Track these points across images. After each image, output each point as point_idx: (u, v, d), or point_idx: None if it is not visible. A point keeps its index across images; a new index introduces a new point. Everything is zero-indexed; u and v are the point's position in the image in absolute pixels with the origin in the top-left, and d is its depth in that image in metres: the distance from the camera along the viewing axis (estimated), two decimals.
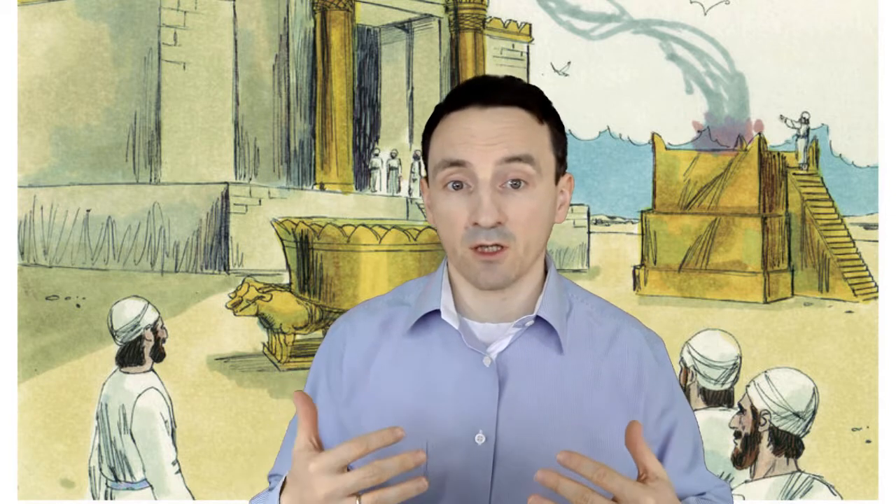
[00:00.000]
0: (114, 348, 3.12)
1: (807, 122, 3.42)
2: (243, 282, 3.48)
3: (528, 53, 3.58)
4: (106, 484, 3.12)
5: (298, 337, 3.50)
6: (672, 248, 3.57)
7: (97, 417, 3.14)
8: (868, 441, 3.17)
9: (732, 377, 2.79)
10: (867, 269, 3.37)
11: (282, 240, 3.60)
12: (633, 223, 3.51)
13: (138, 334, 3.08)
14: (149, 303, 3.18)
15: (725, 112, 3.47)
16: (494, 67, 3.90)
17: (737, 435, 2.56)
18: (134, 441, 3.01)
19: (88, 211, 3.58)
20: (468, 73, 4.21)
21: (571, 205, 1.33)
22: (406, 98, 4.14)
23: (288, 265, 3.59)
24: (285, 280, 3.58)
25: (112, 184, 3.60)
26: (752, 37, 3.38)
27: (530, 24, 3.53)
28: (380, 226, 3.55)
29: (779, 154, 3.56)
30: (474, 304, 1.13)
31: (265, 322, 3.44)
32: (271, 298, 3.45)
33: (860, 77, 3.31)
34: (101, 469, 3.13)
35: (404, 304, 1.18)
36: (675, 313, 3.42)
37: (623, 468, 0.93)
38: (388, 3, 4.26)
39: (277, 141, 4.00)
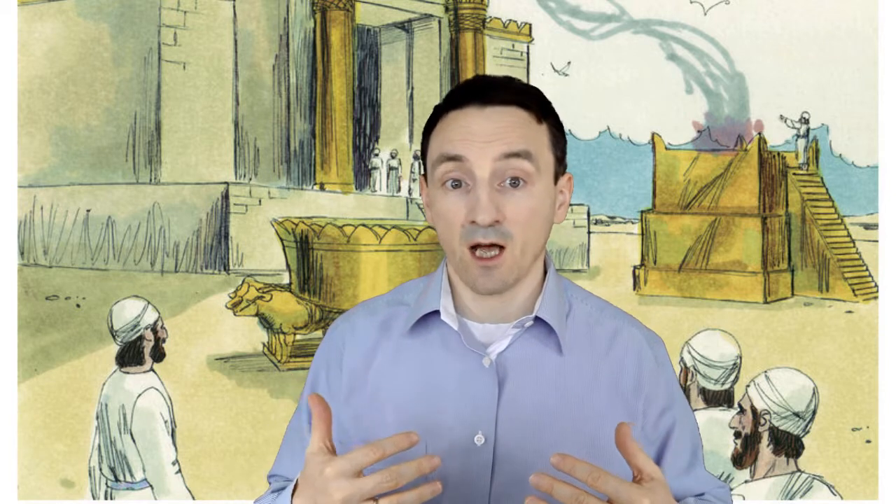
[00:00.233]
0: (114, 348, 3.12)
1: (807, 122, 3.42)
2: (243, 282, 3.48)
3: (528, 53, 3.58)
4: (106, 484, 3.12)
5: (298, 337, 3.50)
6: (672, 248, 3.57)
7: (97, 417, 3.14)
8: (868, 441, 3.16)
9: (732, 377, 2.79)
10: (867, 269, 3.37)
11: (282, 240, 3.60)
12: (633, 223, 3.51)
13: (138, 334, 3.08)
14: (149, 303, 3.18)
15: (725, 112, 3.47)
16: (494, 67, 3.90)
17: (737, 435, 2.56)
18: (134, 441, 3.01)
19: (88, 211, 3.58)
20: (468, 73, 4.21)
21: (571, 205, 1.33)
22: (406, 98, 4.14)
23: (288, 265, 3.59)
24: (285, 280, 3.58)
25: (112, 184, 3.60)
26: (752, 37, 3.38)
27: (530, 24, 3.53)
28: (380, 226, 3.55)
29: (779, 154, 3.56)
30: (474, 304, 1.13)
31: (265, 322, 3.44)
32: (271, 298, 3.45)
33: (860, 77, 3.31)
34: (101, 469, 3.13)
35: (404, 305, 1.18)
36: (675, 313, 3.42)
37: (623, 468, 0.93)
38: (388, 3, 4.26)
39: (277, 141, 4.00)
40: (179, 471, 3.07)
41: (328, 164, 4.05)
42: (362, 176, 4.10)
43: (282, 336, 3.45)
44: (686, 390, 2.78)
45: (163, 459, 3.03)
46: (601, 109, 3.42)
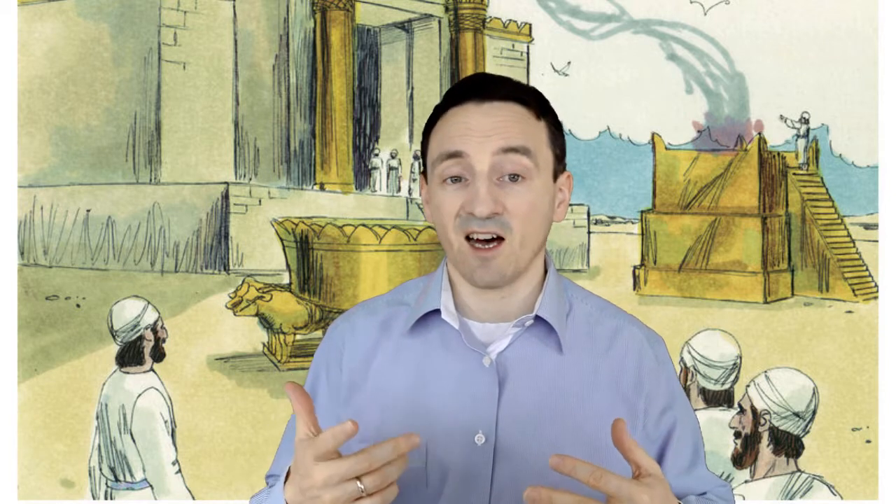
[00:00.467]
0: (114, 348, 3.12)
1: (807, 122, 3.41)
2: (243, 282, 3.48)
3: (528, 53, 3.58)
4: (106, 484, 3.12)
5: (298, 337, 3.50)
6: (672, 248, 3.57)
7: (97, 417, 3.14)
8: (868, 441, 3.16)
9: (732, 377, 2.79)
10: (867, 269, 3.37)
11: (282, 240, 3.60)
12: (633, 223, 3.51)
13: (138, 334, 3.08)
14: (149, 303, 3.18)
15: (725, 112, 3.47)
16: (494, 67, 3.90)
17: (737, 435, 2.56)
18: (134, 441, 3.01)
19: (88, 211, 3.57)
20: (468, 73, 4.20)
21: (571, 205, 1.34)
22: (406, 98, 4.14)
23: (288, 265, 3.59)
24: (285, 280, 3.58)
25: (112, 184, 3.60)
26: (752, 37, 3.38)
27: (530, 24, 3.53)
28: (380, 226, 3.55)
29: (779, 154, 3.56)
30: (474, 303, 1.13)
31: (265, 322, 3.44)
32: (271, 298, 3.45)
33: (860, 77, 3.31)
34: (101, 469, 3.13)
35: (404, 304, 1.18)
36: (675, 313, 3.41)
37: (624, 467, 0.93)
38: (388, 3, 4.26)
39: (277, 141, 4.00)
40: (179, 471, 3.07)
41: (328, 164, 4.05)
42: (362, 176, 4.10)
43: (282, 336, 3.45)
44: (686, 390, 2.78)
45: (163, 459, 3.03)
46: (601, 109, 3.42)
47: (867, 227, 3.34)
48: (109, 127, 3.61)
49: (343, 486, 0.89)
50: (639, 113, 3.44)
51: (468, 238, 1.06)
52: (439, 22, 4.30)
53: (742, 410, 2.56)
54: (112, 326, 3.12)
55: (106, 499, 3.13)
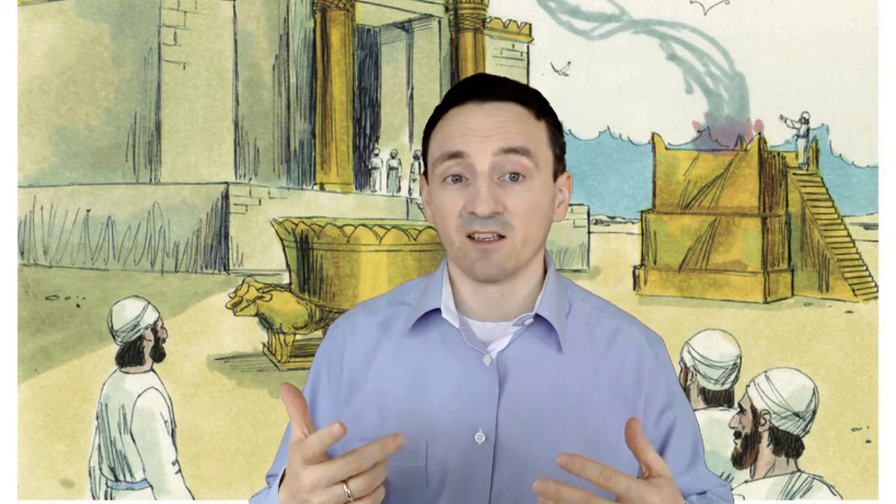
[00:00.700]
0: (114, 348, 3.12)
1: (807, 122, 3.42)
2: (243, 282, 3.48)
3: (528, 53, 3.58)
4: (106, 484, 3.12)
5: (298, 337, 3.50)
6: (672, 248, 3.57)
7: (97, 417, 3.14)
8: (868, 441, 3.16)
9: (732, 377, 2.79)
10: (867, 269, 3.37)
11: (282, 240, 3.60)
12: (633, 223, 3.51)
13: (138, 334, 3.08)
14: (149, 303, 3.18)
15: (725, 112, 3.47)
16: (494, 67, 3.90)
17: (737, 435, 2.56)
18: (134, 441, 3.01)
19: (88, 211, 3.57)
20: (468, 73, 4.20)
21: (571, 205, 1.34)
22: (406, 98, 4.14)
23: (288, 265, 3.59)
24: (285, 280, 3.58)
25: (112, 184, 3.60)
26: (752, 37, 3.38)
27: (530, 24, 3.53)
28: (380, 226, 3.55)
29: (779, 154, 3.56)
30: (474, 302, 1.13)
31: (265, 322, 3.44)
32: (271, 298, 3.45)
33: (860, 77, 3.31)
34: (101, 469, 3.13)
35: (404, 304, 1.18)
36: (675, 313, 3.41)
37: (624, 467, 0.93)
38: (388, 3, 4.26)
39: (277, 141, 4.00)
40: (179, 471, 3.07)
41: (328, 164, 4.05)
42: (362, 176, 4.10)
43: (282, 336, 3.45)
44: (686, 390, 2.78)
45: (163, 459, 3.03)
46: (601, 109, 3.42)
47: (867, 227, 3.34)
48: (109, 127, 3.61)
49: (331, 490, 0.88)
50: (639, 113, 3.44)
51: (470, 237, 1.06)
52: (439, 22, 4.30)
53: (742, 410, 2.56)
54: (112, 326, 3.12)
55: (106, 499, 3.13)
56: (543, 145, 1.10)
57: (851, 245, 3.40)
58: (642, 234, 3.53)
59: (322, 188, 3.99)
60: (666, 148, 3.49)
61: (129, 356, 3.07)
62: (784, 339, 3.30)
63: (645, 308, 3.41)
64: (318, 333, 3.51)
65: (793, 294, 3.51)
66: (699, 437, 1.21)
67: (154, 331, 3.11)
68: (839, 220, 3.40)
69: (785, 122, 3.42)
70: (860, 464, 3.16)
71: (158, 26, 3.77)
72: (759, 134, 3.47)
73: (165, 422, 3.03)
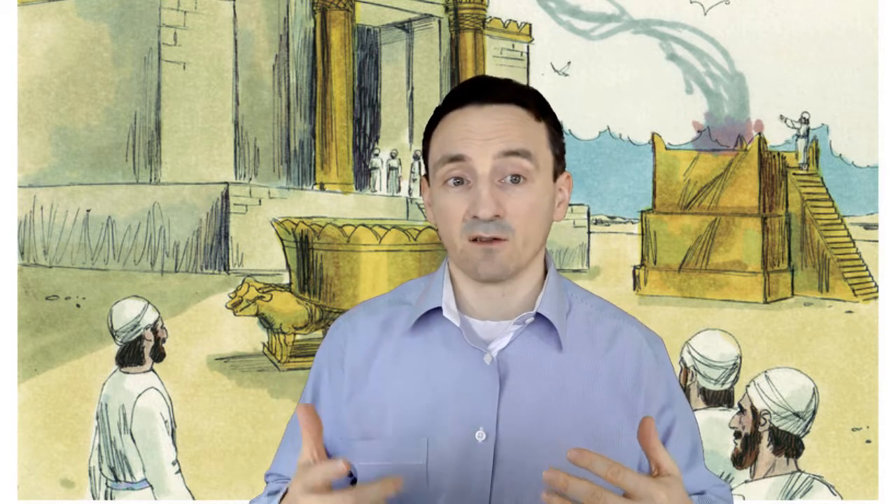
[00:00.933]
0: (114, 348, 3.12)
1: (807, 122, 3.42)
2: (243, 282, 3.48)
3: (528, 53, 3.58)
4: (106, 484, 3.12)
5: (298, 337, 3.50)
6: (672, 248, 3.57)
7: (97, 417, 3.14)
8: (868, 441, 3.17)
9: (732, 377, 2.79)
10: (867, 269, 3.37)
11: (282, 240, 3.60)
12: (633, 223, 3.51)
13: (138, 334, 3.08)
14: (149, 303, 3.18)
15: (725, 112, 3.47)
16: (494, 67, 3.90)
17: (737, 435, 2.56)
18: (134, 441, 3.01)
19: (88, 211, 3.57)
20: (468, 74, 4.21)
21: (571, 205, 1.35)
22: (406, 98, 4.14)
23: (288, 265, 3.59)
24: (285, 280, 3.58)
25: (112, 184, 3.60)
26: (752, 37, 3.38)
27: (530, 24, 3.53)
28: (380, 226, 3.55)
29: (779, 154, 3.56)
30: (475, 301, 1.13)
31: (265, 322, 3.44)
32: (271, 298, 3.45)
33: (860, 77, 3.31)
34: (101, 469, 3.13)
35: (405, 304, 1.19)
36: (675, 313, 3.42)
37: (624, 465, 0.93)
38: (388, 3, 4.26)
39: (277, 141, 4.00)
40: (179, 471, 3.07)
41: (328, 164, 4.05)
42: (362, 176, 4.10)
43: (282, 336, 3.45)
44: (686, 390, 2.78)
45: (163, 459, 3.03)
46: (601, 109, 3.42)
47: (867, 227, 3.34)
48: (109, 127, 3.61)
49: None
50: (639, 113, 3.44)
51: (472, 240, 1.07)
52: (439, 22, 4.30)
53: (742, 410, 2.56)
54: (112, 326, 3.12)
55: (106, 499, 3.13)
56: (543, 146, 1.10)
57: (851, 245, 3.40)
58: (642, 234, 3.53)
59: (322, 188, 3.99)
60: (666, 148, 3.49)
61: (129, 356, 3.07)
62: (784, 339, 3.30)
63: (645, 308, 3.41)
64: (318, 333, 3.51)
65: (793, 294, 3.51)
66: (698, 438, 1.21)
67: (154, 331, 3.11)
68: (839, 220, 3.40)
69: (785, 122, 3.42)
70: (860, 464, 3.16)
71: (158, 26, 3.77)
72: (759, 134, 3.47)
73: (165, 422, 3.03)
